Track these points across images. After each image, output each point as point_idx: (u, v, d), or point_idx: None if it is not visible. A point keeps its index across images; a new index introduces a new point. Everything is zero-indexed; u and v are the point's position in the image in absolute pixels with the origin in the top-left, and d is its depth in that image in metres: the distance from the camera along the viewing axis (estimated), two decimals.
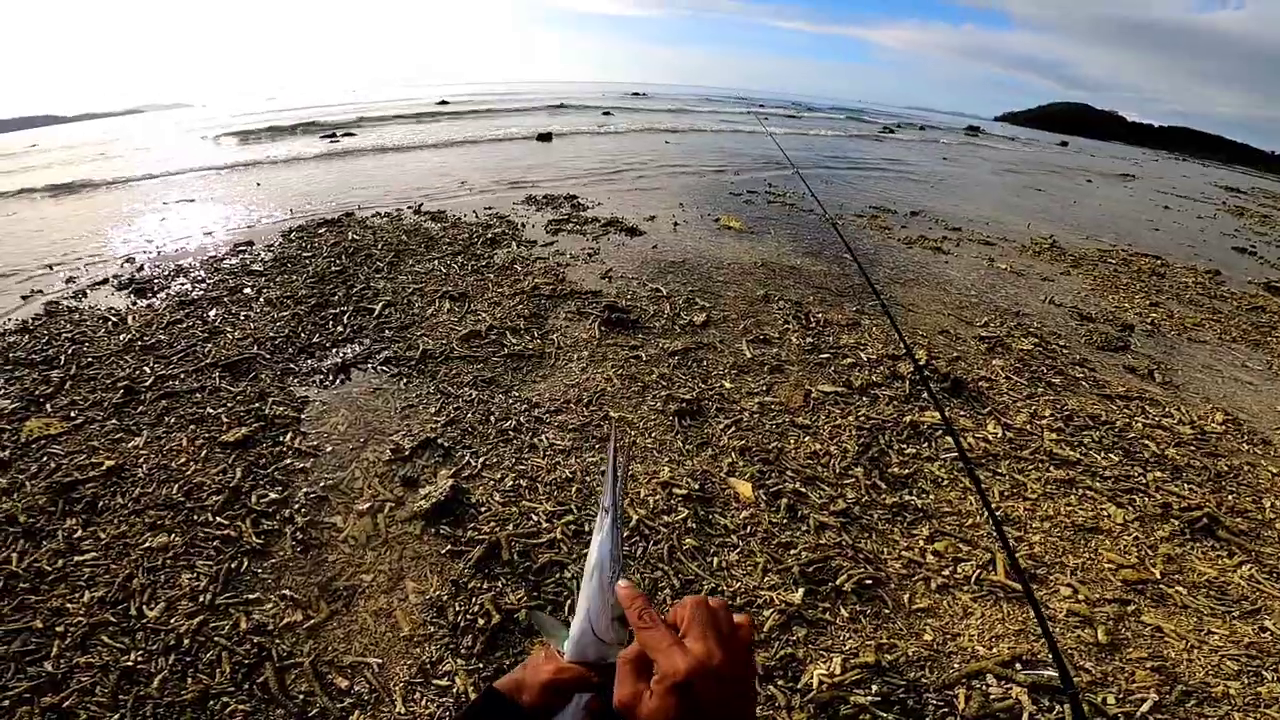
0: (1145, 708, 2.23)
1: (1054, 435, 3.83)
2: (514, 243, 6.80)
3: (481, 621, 2.35)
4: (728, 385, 4.11)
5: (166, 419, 3.51)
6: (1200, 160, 63.11)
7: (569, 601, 2.46)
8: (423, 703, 2.09)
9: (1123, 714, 2.20)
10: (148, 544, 2.65)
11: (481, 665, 2.21)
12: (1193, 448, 3.90)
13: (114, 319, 4.70)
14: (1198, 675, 2.39)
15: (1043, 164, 25.15)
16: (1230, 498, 3.46)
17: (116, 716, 2.00)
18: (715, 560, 2.71)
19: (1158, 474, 3.57)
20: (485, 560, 2.63)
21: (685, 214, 8.70)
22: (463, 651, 2.26)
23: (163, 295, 5.21)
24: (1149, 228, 12.07)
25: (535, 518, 2.87)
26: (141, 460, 3.16)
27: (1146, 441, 3.89)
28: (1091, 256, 8.70)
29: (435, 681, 2.16)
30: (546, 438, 3.47)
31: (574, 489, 3.08)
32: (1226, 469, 3.73)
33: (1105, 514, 3.22)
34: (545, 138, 16.63)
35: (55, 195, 10.35)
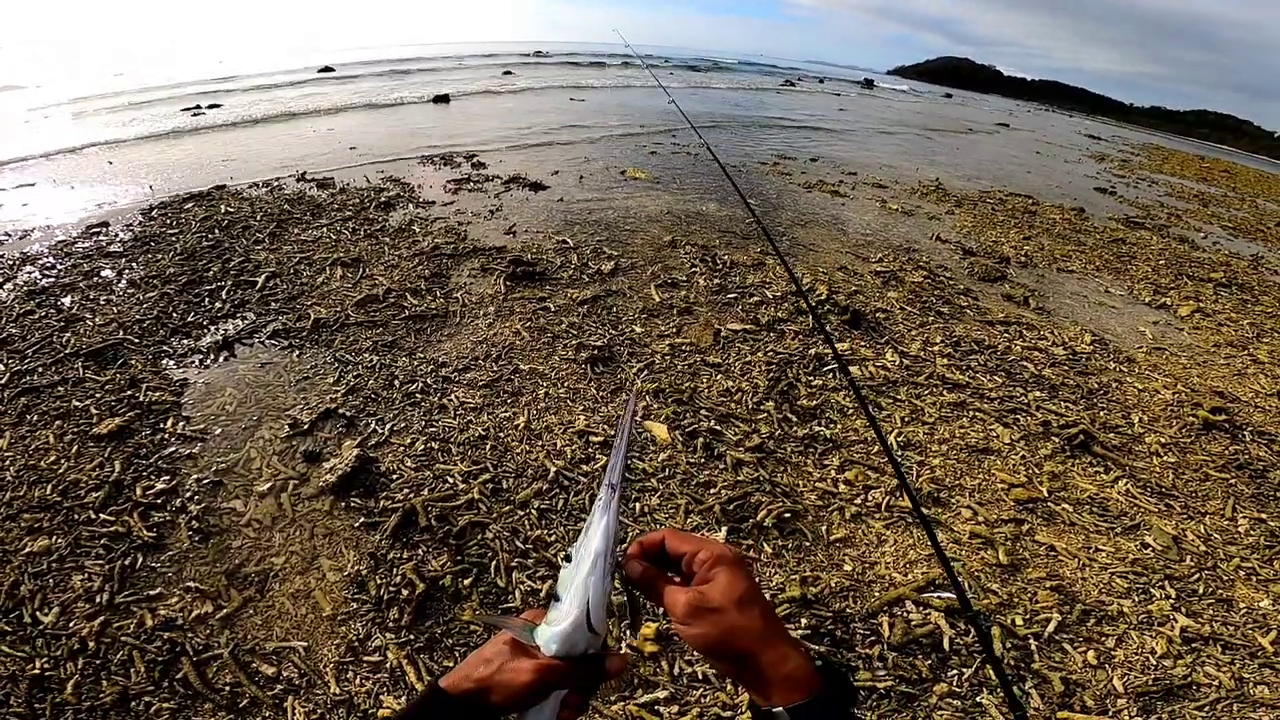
0: (1051, 629, 2.33)
1: (945, 360, 4.09)
2: (411, 204, 6.43)
3: (405, 592, 2.28)
4: (638, 330, 4.13)
5: (29, 416, 3.13)
6: (1067, 111, 68.26)
7: (493, 563, 2.42)
8: (357, 681, 2.03)
9: (1032, 635, 2.30)
10: (28, 549, 2.41)
11: (413, 637, 2.16)
12: (1066, 367, 4.25)
13: None
14: (1092, 594, 2.52)
15: (930, 114, 26.42)
16: (1102, 414, 3.75)
17: None
18: (637, 505, 2.74)
19: (1037, 393, 3.84)
20: (402, 528, 2.54)
21: (590, 167, 8.53)
22: (390, 625, 2.19)
23: (8, 287, 4.56)
24: (1022, 171, 12.99)
25: (451, 480, 2.79)
26: (7, 463, 2.82)
27: (1025, 363, 4.22)
28: (972, 197, 9.28)
29: (366, 658, 2.09)
30: (456, 397, 3.37)
31: (488, 446, 3.01)
32: (1097, 386, 4.07)
33: (994, 434, 3.43)
34: (443, 99, 15.65)
35: None
